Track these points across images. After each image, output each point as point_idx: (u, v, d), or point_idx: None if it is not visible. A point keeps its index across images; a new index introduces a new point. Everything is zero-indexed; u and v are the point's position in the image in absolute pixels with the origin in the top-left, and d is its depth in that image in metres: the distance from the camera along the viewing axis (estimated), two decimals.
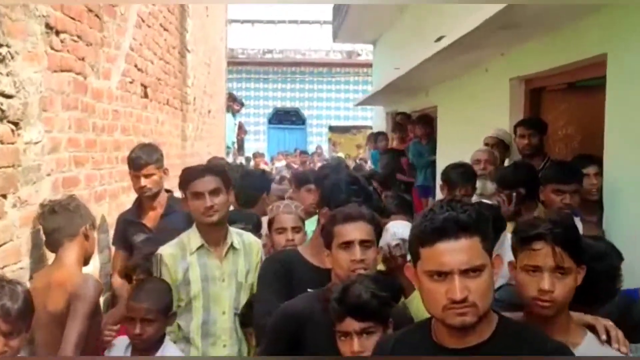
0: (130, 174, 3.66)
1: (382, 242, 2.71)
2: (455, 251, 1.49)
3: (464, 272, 1.48)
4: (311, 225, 3.02)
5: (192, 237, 2.83)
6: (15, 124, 2.63)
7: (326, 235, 2.25)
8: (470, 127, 5.83)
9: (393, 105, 10.11)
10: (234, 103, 12.60)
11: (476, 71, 5.64)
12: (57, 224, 2.71)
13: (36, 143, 2.85)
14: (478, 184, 4.18)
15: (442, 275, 1.49)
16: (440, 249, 1.50)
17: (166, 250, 2.81)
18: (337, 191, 2.59)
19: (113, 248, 3.84)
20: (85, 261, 2.81)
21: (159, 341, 2.54)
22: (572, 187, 3.25)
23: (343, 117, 20.32)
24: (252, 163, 13.37)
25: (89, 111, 3.61)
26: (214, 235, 2.82)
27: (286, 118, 20.90)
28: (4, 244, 2.53)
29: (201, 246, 2.80)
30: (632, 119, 3.21)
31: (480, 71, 5.53)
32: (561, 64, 4.03)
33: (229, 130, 11.81)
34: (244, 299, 2.85)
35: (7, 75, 2.54)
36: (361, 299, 1.89)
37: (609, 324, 1.84)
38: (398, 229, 2.77)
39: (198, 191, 2.75)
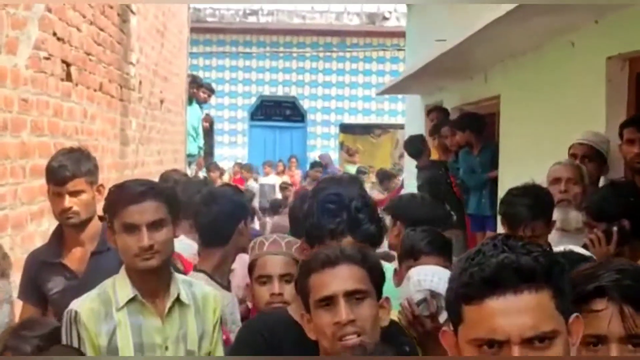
0: (48, 192, 3.69)
1: (402, 295, 2.75)
2: (514, 311, 1.51)
3: (528, 342, 1.50)
4: None
5: (119, 286, 2.88)
6: None
7: (301, 291, 2.27)
8: (549, 128, 5.88)
9: (436, 94, 10.18)
10: (199, 89, 12.67)
11: (558, 45, 5.69)
12: None
13: None
14: (557, 214, 4.22)
15: (496, 345, 1.52)
16: (492, 308, 1.52)
17: (85, 305, 2.85)
18: (309, 214, 2.65)
19: (19, 302, 3.87)
20: None
21: None
22: None
23: (361, 112, 20.42)
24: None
25: None
26: (151, 284, 2.87)
27: (277, 111, 21.05)
28: None
29: (133, 298, 2.85)
30: None
31: (564, 45, 5.57)
32: None
33: (191, 129, 11.86)
34: None
35: None
36: None
37: None
38: (425, 276, 2.79)
39: (132, 222, 2.80)
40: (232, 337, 3.14)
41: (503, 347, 1.52)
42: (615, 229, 3.57)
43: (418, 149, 8.86)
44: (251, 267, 3.18)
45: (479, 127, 7.63)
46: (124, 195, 2.87)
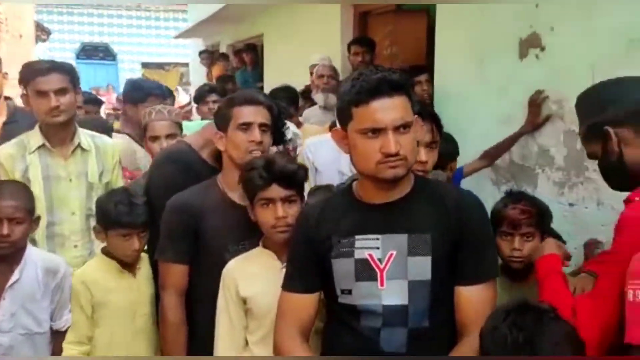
0: None
1: None
2: (389, 108, 1.44)
3: (396, 129, 1.44)
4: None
5: (32, 137, 2.46)
6: None
7: (222, 117, 2.01)
8: (300, 53, 5.80)
9: (215, 36, 9.67)
10: (41, 32, 11.05)
11: None
12: None
13: None
14: (321, 97, 4.21)
15: (376, 132, 1.44)
16: (375, 107, 1.44)
17: (3, 150, 2.45)
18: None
19: None
20: None
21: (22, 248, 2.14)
22: None
23: (158, 54, 18.93)
24: None
25: None
26: (58, 136, 2.47)
27: (95, 53, 18.98)
28: None
29: (42, 145, 2.45)
30: (457, 32, 3.44)
31: None
32: None
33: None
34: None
35: None
36: (287, 168, 1.80)
37: None
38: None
39: (42, 89, 2.36)
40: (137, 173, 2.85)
41: (381, 132, 1.44)
42: None
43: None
44: (144, 129, 2.76)
45: (252, 56, 7.40)
46: (35, 70, 2.40)
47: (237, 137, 1.95)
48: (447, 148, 2.65)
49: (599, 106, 1.57)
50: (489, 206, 2.45)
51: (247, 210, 1.85)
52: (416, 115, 1.54)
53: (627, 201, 1.57)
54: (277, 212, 1.76)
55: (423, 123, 1.78)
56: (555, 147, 2.79)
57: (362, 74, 1.48)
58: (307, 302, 1.60)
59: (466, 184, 3.00)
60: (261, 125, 1.97)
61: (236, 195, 1.97)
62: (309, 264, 1.59)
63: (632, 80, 1.60)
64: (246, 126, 1.95)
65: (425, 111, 1.80)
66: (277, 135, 2.11)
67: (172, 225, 1.98)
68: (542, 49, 2.82)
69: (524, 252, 1.85)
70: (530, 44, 2.89)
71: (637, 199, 1.52)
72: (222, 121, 2.00)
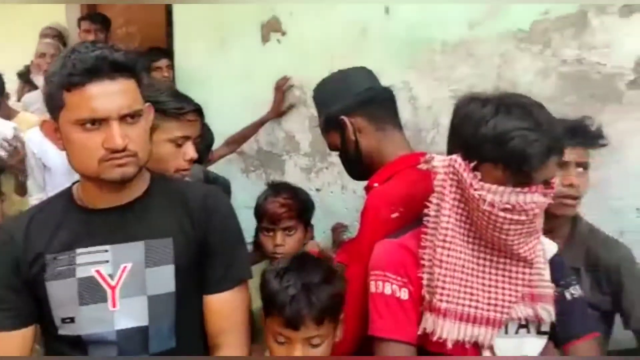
0: None
1: None
2: (111, 94, 1.18)
3: (122, 119, 1.20)
4: None
5: None
6: None
7: None
8: (16, 28, 4.96)
9: None
10: None
11: None
12: None
13: None
14: (43, 79, 3.65)
15: (97, 122, 1.18)
16: (93, 91, 1.17)
17: None
18: None
19: None
20: None
21: None
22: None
23: None
24: None
25: None
26: None
27: None
28: None
29: None
30: (197, 13, 3.27)
31: None
32: None
33: None
34: None
35: None
36: None
37: None
38: None
39: None
40: None
41: (103, 123, 1.19)
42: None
43: None
44: None
45: None
46: None
47: None
48: (207, 139, 2.46)
49: (332, 97, 1.62)
50: (238, 195, 2.39)
51: None
52: (148, 104, 1.33)
53: (367, 188, 1.61)
54: None
55: (197, 118, 1.58)
56: (300, 133, 2.84)
57: (76, 50, 1.20)
58: (16, 342, 1.26)
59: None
60: None
61: None
62: (14, 292, 1.25)
63: (359, 70, 1.69)
64: None
65: (197, 105, 1.60)
66: None
67: None
68: (283, 33, 2.82)
69: (286, 247, 1.78)
70: (271, 28, 2.86)
71: (375, 185, 1.56)
72: None
